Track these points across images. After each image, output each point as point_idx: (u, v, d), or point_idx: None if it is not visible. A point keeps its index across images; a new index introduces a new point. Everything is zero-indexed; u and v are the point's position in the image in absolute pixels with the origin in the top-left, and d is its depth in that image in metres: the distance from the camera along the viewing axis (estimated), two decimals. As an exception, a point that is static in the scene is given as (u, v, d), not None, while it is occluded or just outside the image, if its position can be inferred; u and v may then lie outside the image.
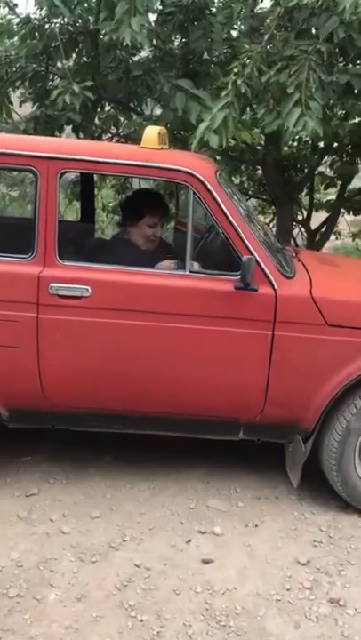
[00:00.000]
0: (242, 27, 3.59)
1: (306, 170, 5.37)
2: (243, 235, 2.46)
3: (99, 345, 2.52)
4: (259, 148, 4.92)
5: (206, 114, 3.14)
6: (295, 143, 5.28)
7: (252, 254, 2.45)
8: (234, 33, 3.90)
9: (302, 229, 6.16)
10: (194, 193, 2.47)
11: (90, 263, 2.54)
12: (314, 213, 6.05)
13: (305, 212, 6.05)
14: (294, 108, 2.68)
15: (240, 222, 2.47)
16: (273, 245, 2.77)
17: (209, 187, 2.46)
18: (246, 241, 2.47)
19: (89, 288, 2.47)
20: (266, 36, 2.75)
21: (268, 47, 2.77)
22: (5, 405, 2.65)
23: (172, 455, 3.03)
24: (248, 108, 3.57)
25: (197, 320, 2.50)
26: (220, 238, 2.53)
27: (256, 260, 2.44)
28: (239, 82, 2.68)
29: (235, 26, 3.55)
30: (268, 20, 2.86)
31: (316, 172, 5.58)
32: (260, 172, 5.64)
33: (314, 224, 5.97)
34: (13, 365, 2.55)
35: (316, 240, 5.90)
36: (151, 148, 2.57)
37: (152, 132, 2.61)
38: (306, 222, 6.04)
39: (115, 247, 2.89)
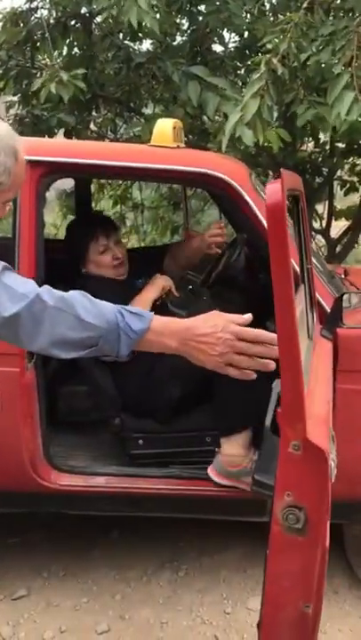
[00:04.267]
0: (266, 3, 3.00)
1: (325, 174, 4.82)
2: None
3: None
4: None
5: (227, 105, 2.55)
6: (311, 145, 4.73)
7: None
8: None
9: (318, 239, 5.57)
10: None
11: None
12: (333, 222, 5.50)
13: (323, 221, 5.49)
14: (345, 90, 2.09)
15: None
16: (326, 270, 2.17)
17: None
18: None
19: None
20: (304, 3, 2.16)
21: (307, 16, 2.18)
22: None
23: (195, 529, 2.40)
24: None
25: None
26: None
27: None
28: (275, 61, 2.08)
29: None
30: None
31: (334, 177, 5.04)
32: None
33: (333, 233, 5.40)
34: None
35: (337, 251, 5.35)
36: (164, 147, 1.97)
37: (165, 126, 1.99)
38: (326, 231, 5.47)
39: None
